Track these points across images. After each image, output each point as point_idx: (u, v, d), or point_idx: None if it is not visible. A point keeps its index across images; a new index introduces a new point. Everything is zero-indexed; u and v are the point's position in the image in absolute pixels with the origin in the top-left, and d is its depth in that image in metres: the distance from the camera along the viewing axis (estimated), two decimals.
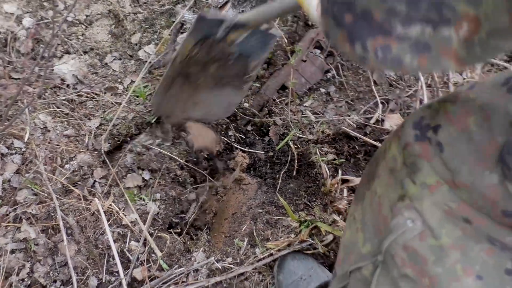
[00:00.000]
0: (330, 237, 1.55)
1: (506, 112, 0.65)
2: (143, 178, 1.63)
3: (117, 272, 1.43)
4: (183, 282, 1.41)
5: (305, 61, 2.07)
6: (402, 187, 0.82)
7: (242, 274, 1.47)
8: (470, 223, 0.73)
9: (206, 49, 1.63)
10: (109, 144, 1.74)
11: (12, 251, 1.39)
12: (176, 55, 1.60)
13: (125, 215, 1.52)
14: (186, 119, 1.81)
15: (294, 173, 1.86)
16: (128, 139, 1.79)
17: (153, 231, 1.53)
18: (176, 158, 1.65)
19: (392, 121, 1.99)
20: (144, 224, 1.53)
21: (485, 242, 0.72)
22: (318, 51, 2.13)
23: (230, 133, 1.99)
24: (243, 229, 1.68)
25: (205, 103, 1.70)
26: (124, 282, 1.38)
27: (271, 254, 1.53)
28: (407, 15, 0.49)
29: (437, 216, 0.77)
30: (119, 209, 1.53)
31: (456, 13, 0.46)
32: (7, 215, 1.44)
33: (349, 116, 1.97)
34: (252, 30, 1.64)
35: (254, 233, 1.62)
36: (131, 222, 1.52)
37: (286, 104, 2.03)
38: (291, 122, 1.95)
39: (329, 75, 2.13)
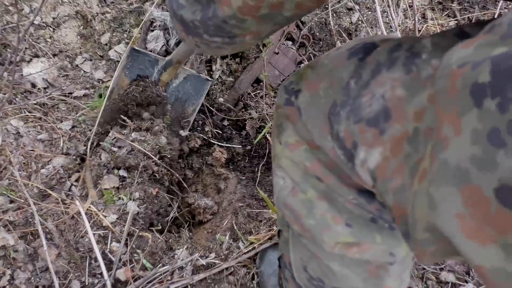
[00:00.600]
0: None
1: (341, 77, 0.69)
2: (120, 176, 1.61)
3: (100, 274, 1.42)
4: (167, 280, 1.41)
5: (277, 53, 2.08)
6: (274, 148, 0.90)
7: (226, 269, 1.47)
8: (322, 181, 0.79)
9: (141, 89, 1.68)
10: (84, 147, 1.72)
11: None
12: (113, 88, 1.63)
13: (105, 216, 1.51)
14: None
15: None
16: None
17: (135, 230, 1.52)
18: (150, 154, 1.64)
19: None
20: (125, 225, 1.51)
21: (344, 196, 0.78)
22: (290, 43, 2.14)
23: (206, 128, 1.99)
24: (225, 223, 1.68)
25: None
26: (108, 283, 1.37)
27: (253, 248, 1.54)
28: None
29: (298, 173, 0.83)
30: (98, 210, 1.52)
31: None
32: None
33: None
34: (187, 75, 1.72)
35: (235, 227, 1.63)
36: (111, 223, 1.50)
37: (261, 97, 2.04)
38: (267, 115, 1.96)
39: (302, 66, 2.14)
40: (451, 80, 0.44)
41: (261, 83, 2.06)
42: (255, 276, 1.49)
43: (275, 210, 1.64)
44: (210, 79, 1.84)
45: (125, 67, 1.71)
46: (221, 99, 2.01)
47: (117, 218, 1.52)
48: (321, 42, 2.22)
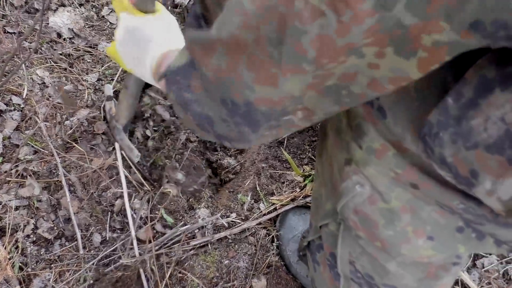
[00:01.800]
0: None
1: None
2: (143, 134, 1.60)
3: (120, 229, 1.43)
4: (188, 238, 1.42)
5: None
6: (349, 151, 0.80)
7: (247, 229, 1.47)
8: (418, 188, 0.71)
9: None
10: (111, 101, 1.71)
11: (16, 208, 1.39)
12: None
13: (129, 173, 1.51)
14: None
15: None
16: None
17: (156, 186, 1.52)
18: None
19: None
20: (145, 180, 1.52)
21: (434, 204, 0.71)
22: None
23: None
24: (247, 184, 1.67)
25: None
26: (133, 236, 1.38)
27: (275, 209, 1.53)
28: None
29: (384, 182, 0.75)
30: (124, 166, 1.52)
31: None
32: (10, 171, 1.43)
33: None
34: None
35: (258, 188, 1.62)
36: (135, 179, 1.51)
37: None
38: None
39: None
40: None
41: None
42: (275, 239, 1.49)
43: (299, 172, 1.62)
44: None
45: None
46: None
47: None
48: None
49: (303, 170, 1.62)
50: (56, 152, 1.48)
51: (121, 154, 1.53)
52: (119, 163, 1.51)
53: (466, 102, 0.53)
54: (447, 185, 0.66)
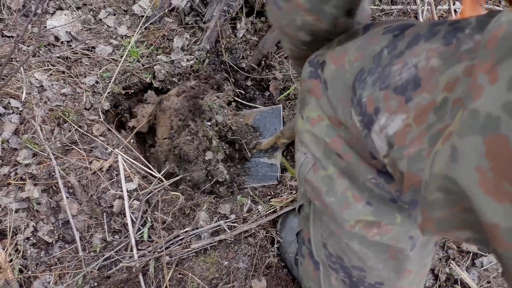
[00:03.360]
0: None
1: (373, 49, 0.67)
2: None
3: (120, 231, 1.43)
4: (187, 242, 1.42)
5: None
6: (296, 121, 0.88)
7: (246, 231, 1.47)
8: (342, 158, 0.77)
9: None
10: (108, 103, 1.71)
11: (16, 211, 1.39)
12: None
13: (129, 175, 1.52)
14: None
15: None
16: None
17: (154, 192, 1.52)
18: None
19: None
20: (148, 187, 1.52)
21: (364, 176, 0.77)
22: None
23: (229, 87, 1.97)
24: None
25: None
26: (133, 241, 1.39)
27: (275, 211, 1.53)
28: None
29: (319, 149, 0.81)
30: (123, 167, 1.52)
31: None
32: (8, 175, 1.43)
33: None
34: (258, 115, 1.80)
35: (254, 192, 1.62)
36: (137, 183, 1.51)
37: (286, 57, 1.99)
38: (292, 76, 1.92)
39: None
40: (493, 34, 0.44)
41: None
42: (274, 240, 1.49)
43: (294, 173, 1.62)
44: (277, 103, 1.85)
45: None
46: (244, 60, 1.97)
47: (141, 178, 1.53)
48: None
49: None
50: (54, 154, 1.48)
51: (121, 156, 1.54)
52: (120, 164, 1.51)
53: (396, 53, 0.61)
54: (364, 160, 0.74)
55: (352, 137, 0.73)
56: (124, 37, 1.92)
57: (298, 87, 1.85)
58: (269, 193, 1.61)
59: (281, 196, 1.58)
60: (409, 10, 2.16)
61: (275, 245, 1.47)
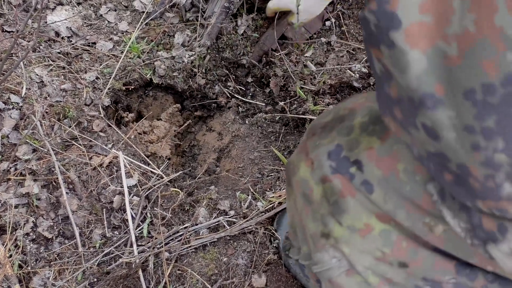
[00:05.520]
0: None
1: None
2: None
3: (119, 227, 1.44)
4: (186, 238, 1.42)
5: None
6: (326, 224, 0.75)
7: (245, 227, 1.47)
8: (407, 266, 0.67)
9: None
10: (108, 99, 1.71)
11: (15, 206, 1.39)
12: None
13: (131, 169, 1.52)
14: None
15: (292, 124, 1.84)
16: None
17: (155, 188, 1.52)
18: None
19: None
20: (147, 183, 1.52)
21: (420, 280, 0.68)
22: None
23: (229, 84, 1.97)
24: (244, 182, 1.67)
25: None
26: (133, 236, 1.39)
27: (273, 208, 1.53)
28: None
29: (365, 263, 0.71)
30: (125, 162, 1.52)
31: None
32: (8, 170, 1.43)
33: (350, 66, 1.93)
34: None
35: (254, 188, 1.62)
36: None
37: (286, 54, 1.99)
38: (292, 73, 1.91)
39: (327, 23, 2.07)
40: None
41: (286, 41, 2.01)
42: (272, 238, 1.49)
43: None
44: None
45: None
46: (245, 56, 1.97)
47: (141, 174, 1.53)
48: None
49: None
50: (53, 150, 1.48)
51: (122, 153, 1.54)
52: (121, 159, 1.52)
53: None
54: (441, 253, 0.64)
55: (420, 229, 0.64)
56: (124, 33, 1.91)
57: (298, 84, 1.85)
58: (268, 189, 1.61)
59: (280, 191, 1.58)
60: None
61: (274, 242, 1.47)
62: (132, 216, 1.44)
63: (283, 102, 1.88)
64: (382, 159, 0.66)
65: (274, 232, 1.48)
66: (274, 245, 1.46)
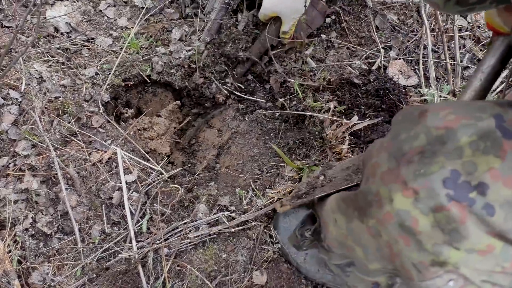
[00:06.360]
0: None
1: None
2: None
3: (119, 223, 1.43)
4: (186, 233, 1.42)
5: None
6: (439, 253, 0.75)
7: (245, 223, 1.47)
8: None
9: None
10: (108, 95, 1.71)
11: (15, 202, 1.39)
12: None
13: (130, 165, 1.51)
14: None
15: (293, 121, 1.84)
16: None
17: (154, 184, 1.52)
18: None
19: (396, 68, 1.95)
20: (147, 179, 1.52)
21: None
22: None
23: (228, 80, 1.96)
24: (244, 179, 1.67)
25: None
26: (132, 232, 1.38)
27: (271, 203, 1.53)
28: None
29: (483, 278, 0.74)
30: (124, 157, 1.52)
31: None
32: (7, 166, 1.43)
33: (350, 62, 1.93)
34: None
35: (253, 185, 1.61)
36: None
37: (286, 52, 1.98)
38: (292, 69, 1.91)
39: (328, 20, 2.07)
40: None
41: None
42: (272, 233, 1.49)
43: (293, 165, 1.62)
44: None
45: None
46: (245, 52, 1.96)
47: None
48: None
49: (301, 164, 1.62)
50: (53, 146, 1.48)
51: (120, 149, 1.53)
52: (119, 155, 1.51)
53: None
54: None
55: None
56: (124, 29, 1.91)
57: (298, 81, 1.84)
58: (268, 186, 1.60)
59: (279, 187, 1.57)
60: (411, 4, 2.15)
61: (274, 242, 1.47)
62: (131, 212, 1.43)
63: (283, 99, 1.88)
64: (508, 178, 0.65)
65: (273, 231, 1.47)
66: (276, 243, 1.46)
